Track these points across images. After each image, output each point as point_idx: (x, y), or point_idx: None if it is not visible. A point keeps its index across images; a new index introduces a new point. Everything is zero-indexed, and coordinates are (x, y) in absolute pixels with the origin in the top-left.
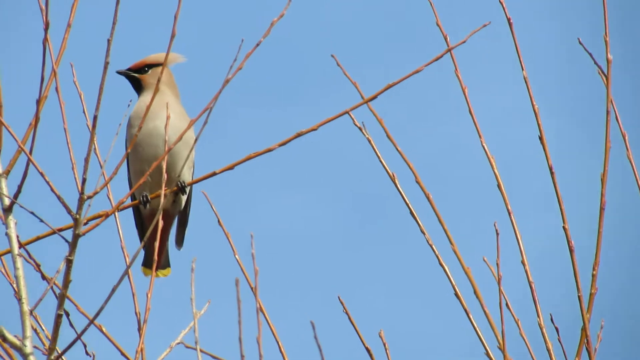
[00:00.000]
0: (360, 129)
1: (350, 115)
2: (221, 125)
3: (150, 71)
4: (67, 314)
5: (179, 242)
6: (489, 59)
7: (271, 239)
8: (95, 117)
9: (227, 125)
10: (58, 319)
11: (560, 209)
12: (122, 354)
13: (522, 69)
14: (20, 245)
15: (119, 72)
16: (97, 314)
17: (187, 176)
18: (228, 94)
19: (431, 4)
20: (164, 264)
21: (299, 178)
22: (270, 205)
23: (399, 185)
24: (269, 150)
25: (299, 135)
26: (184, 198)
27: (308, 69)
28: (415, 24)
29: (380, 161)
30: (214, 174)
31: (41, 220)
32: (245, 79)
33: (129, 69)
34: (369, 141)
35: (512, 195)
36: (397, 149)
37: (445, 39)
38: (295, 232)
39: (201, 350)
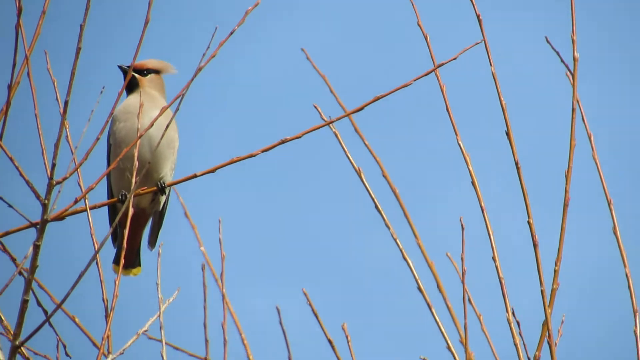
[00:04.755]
0: (326, 121)
1: (331, 128)
2: (205, 126)
3: (149, 76)
4: (40, 305)
5: (152, 242)
6: (463, 53)
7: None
8: (66, 102)
9: (211, 124)
10: (24, 304)
11: (526, 204)
12: (91, 340)
13: (491, 65)
14: None
15: (121, 67)
16: (65, 299)
17: (167, 177)
18: (208, 86)
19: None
20: (135, 263)
21: (275, 183)
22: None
23: (364, 180)
24: (252, 156)
25: (282, 142)
26: (162, 199)
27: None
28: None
29: (347, 155)
30: (195, 176)
31: (10, 206)
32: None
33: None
34: (336, 135)
35: (481, 190)
36: (364, 142)
37: (431, 54)
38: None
39: (167, 343)
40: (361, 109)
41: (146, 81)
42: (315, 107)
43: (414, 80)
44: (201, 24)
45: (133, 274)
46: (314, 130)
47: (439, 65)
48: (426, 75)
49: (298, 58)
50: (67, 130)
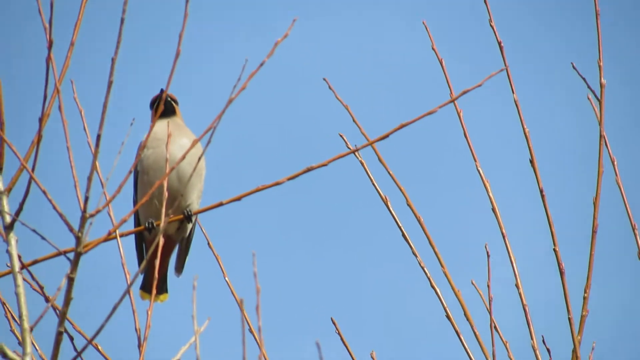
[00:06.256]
0: (351, 149)
1: (356, 155)
2: (232, 152)
3: (178, 106)
4: (71, 338)
5: (179, 269)
6: (483, 82)
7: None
8: (98, 137)
9: (238, 151)
10: (59, 336)
11: (551, 231)
12: None
13: (513, 92)
14: (23, 267)
15: (169, 95)
16: (97, 334)
17: (194, 204)
18: (235, 117)
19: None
20: (162, 289)
21: (300, 210)
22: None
23: (391, 208)
24: (278, 184)
25: (308, 170)
26: (189, 226)
27: (318, 101)
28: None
29: (373, 184)
30: (221, 204)
31: (43, 238)
32: (252, 102)
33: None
34: (362, 164)
35: (505, 218)
36: (388, 172)
37: (447, 78)
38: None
39: None
40: (386, 136)
41: (179, 110)
42: (340, 136)
43: (440, 108)
44: (230, 56)
45: (160, 300)
46: (339, 158)
47: (463, 93)
48: (451, 102)
49: (321, 88)
50: (97, 162)
